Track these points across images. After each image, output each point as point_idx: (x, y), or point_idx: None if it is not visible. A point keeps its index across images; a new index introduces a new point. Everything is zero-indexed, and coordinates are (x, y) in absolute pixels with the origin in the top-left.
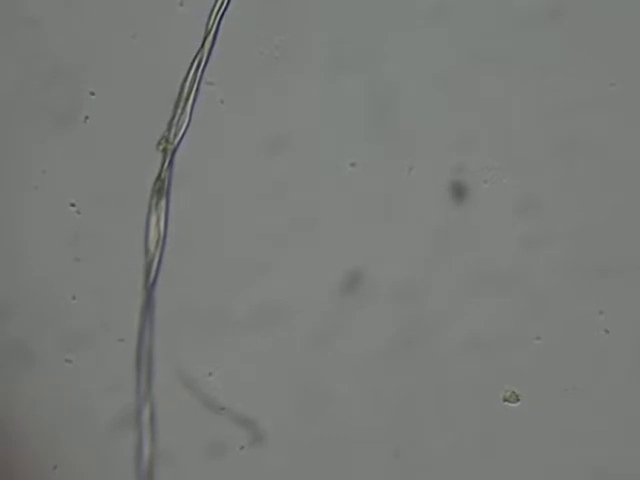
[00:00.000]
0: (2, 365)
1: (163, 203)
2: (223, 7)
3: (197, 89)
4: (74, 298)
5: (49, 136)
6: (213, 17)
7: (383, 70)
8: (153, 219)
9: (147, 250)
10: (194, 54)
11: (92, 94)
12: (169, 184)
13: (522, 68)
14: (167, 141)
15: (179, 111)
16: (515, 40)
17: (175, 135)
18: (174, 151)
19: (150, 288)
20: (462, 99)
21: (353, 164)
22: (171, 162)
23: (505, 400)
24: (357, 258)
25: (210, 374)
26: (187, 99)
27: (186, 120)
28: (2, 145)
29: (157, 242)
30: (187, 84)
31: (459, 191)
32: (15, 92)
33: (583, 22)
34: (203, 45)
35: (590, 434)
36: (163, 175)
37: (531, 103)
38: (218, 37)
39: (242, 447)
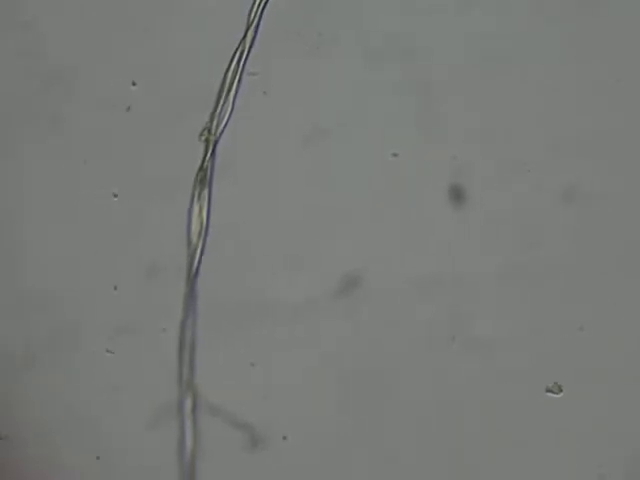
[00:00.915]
0: (44, 354)
1: (206, 193)
2: None
3: (239, 80)
4: (116, 288)
5: (92, 126)
6: (255, 7)
7: (424, 60)
8: (195, 209)
9: (190, 240)
10: (236, 45)
11: (134, 84)
12: (211, 175)
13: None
14: (209, 132)
15: (221, 102)
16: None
17: (217, 126)
18: (216, 142)
19: (193, 278)
20: (493, 90)
21: (395, 154)
22: (213, 153)
23: (548, 391)
24: (399, 244)
25: (252, 364)
26: (229, 90)
27: (228, 111)
28: (44, 134)
29: (199, 232)
30: (229, 75)
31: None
32: (58, 81)
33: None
34: (245, 36)
35: (634, 423)
36: (205, 166)
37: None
38: (260, 28)
39: (285, 437)
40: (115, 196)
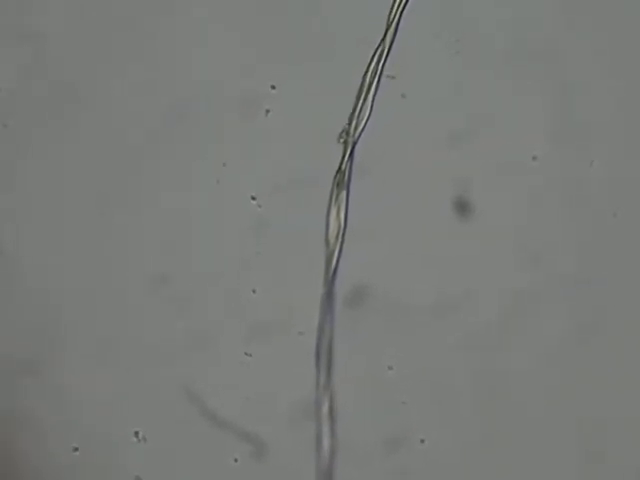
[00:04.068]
0: (181, 355)
1: (343, 196)
2: (404, 1)
3: (378, 83)
4: (254, 291)
5: (230, 129)
6: (394, 10)
7: (561, 65)
8: (333, 211)
9: (327, 242)
10: (375, 47)
11: (273, 88)
12: (349, 177)
13: None
14: (348, 134)
15: (360, 104)
16: None
17: (356, 128)
18: (355, 144)
19: (330, 281)
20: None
21: (535, 158)
22: (352, 155)
23: None
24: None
25: (390, 368)
26: (368, 93)
27: (367, 113)
28: (184, 138)
29: (337, 234)
30: (368, 78)
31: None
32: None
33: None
34: (384, 39)
35: None
36: (344, 168)
37: None
38: (399, 31)
39: (422, 440)
40: (253, 199)
